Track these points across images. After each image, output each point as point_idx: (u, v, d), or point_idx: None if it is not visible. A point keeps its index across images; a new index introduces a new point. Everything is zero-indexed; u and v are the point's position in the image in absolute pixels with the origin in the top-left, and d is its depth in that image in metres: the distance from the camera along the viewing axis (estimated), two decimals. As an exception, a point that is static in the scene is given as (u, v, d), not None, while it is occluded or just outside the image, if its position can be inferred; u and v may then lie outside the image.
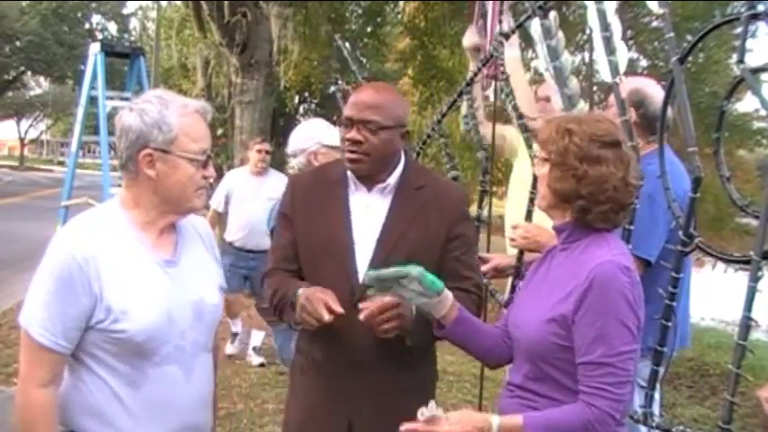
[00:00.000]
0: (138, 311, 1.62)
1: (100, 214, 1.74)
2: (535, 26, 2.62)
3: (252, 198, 5.44)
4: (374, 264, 1.96)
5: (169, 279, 1.71)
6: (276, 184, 5.31)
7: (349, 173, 2.08)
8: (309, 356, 2.10)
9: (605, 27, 2.37)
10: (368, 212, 2.03)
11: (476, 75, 3.02)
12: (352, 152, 2.00)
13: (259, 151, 5.54)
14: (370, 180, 2.05)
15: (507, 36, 2.89)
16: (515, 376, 1.81)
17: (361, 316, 1.83)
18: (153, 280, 1.68)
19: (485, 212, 3.09)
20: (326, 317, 1.85)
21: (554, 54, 2.57)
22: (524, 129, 2.72)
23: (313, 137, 3.17)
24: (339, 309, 1.87)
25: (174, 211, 1.74)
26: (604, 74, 2.38)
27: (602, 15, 2.37)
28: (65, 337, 1.61)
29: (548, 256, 1.88)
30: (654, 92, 2.61)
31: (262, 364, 5.60)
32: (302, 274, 2.08)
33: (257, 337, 5.77)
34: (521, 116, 2.74)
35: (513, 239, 2.64)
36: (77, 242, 1.63)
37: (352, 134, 2.00)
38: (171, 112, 1.67)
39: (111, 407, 1.65)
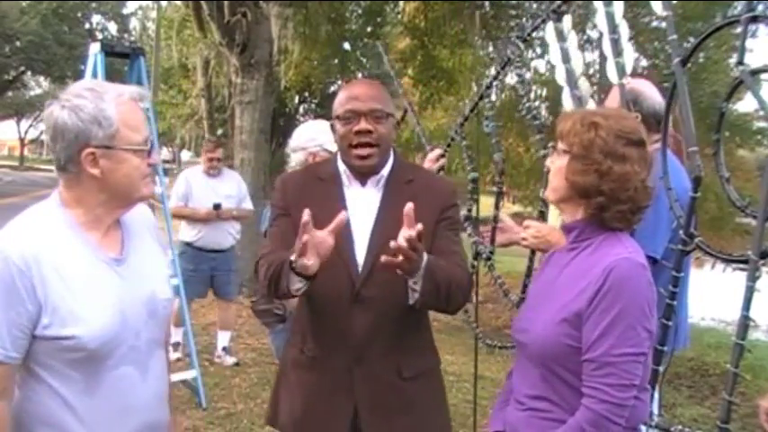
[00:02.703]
0: (89, 316, 1.53)
1: (38, 215, 1.61)
2: (549, 29, 2.65)
3: (209, 197, 5.52)
4: (370, 255, 1.94)
5: (119, 278, 1.62)
6: (232, 182, 5.72)
7: (341, 168, 2.06)
8: (306, 352, 2.05)
9: (613, 29, 2.39)
10: (363, 206, 2.02)
11: (495, 78, 3.05)
12: (365, 145, 1.97)
13: (210, 159, 5.64)
14: (366, 174, 2.03)
15: (524, 39, 2.91)
16: (523, 386, 1.73)
17: (383, 258, 1.74)
18: (102, 281, 1.59)
19: (501, 214, 3.06)
20: (305, 238, 1.73)
21: (567, 56, 2.61)
22: (539, 130, 2.74)
23: (315, 139, 3.20)
24: (343, 216, 1.80)
25: (122, 205, 1.66)
26: (611, 75, 2.40)
27: (610, 18, 2.39)
28: (14, 348, 1.51)
29: (551, 259, 1.83)
30: (646, 89, 2.61)
31: (236, 364, 5.67)
32: None
33: (224, 338, 5.84)
34: (534, 117, 2.77)
35: (524, 239, 2.64)
36: (16, 245, 1.50)
37: (363, 125, 1.96)
38: (108, 104, 1.55)
39: (64, 417, 1.56)
